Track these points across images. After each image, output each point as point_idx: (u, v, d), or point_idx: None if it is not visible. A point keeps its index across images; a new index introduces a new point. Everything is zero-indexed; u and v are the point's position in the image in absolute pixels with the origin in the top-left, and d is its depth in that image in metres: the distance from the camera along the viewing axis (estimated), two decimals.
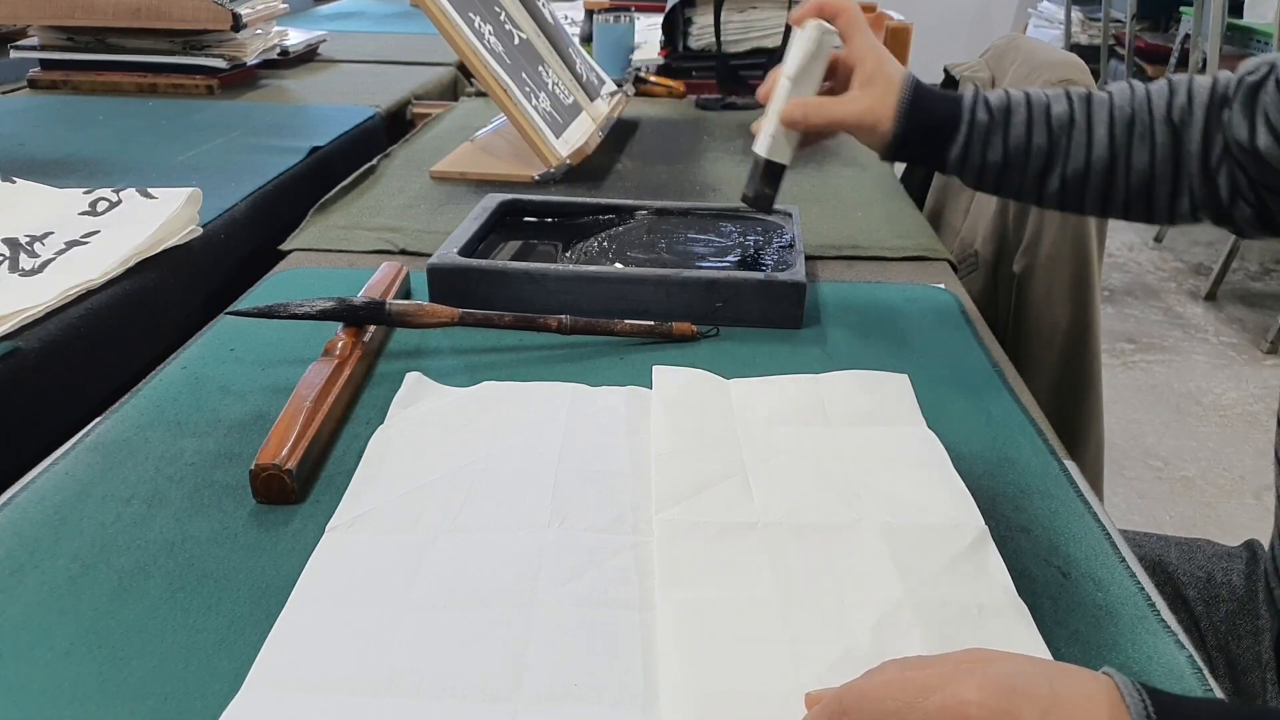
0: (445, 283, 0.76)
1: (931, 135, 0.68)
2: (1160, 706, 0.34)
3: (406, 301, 0.71)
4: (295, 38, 1.72)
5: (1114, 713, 0.34)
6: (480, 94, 1.57)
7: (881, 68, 0.68)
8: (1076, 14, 3.91)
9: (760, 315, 0.75)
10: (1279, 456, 0.57)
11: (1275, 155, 0.60)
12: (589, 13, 1.72)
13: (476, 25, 1.09)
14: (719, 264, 0.80)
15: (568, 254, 0.83)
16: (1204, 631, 0.69)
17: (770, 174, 0.72)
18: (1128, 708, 0.34)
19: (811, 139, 0.71)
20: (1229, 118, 0.62)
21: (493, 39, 1.11)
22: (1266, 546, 0.72)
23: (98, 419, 0.63)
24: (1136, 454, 2.01)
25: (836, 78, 0.70)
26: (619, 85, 1.43)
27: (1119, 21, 3.70)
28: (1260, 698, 0.65)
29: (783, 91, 0.70)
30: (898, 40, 1.66)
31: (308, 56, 1.75)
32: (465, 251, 0.78)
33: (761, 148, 0.72)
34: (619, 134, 1.31)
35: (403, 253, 0.90)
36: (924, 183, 1.33)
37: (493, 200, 0.89)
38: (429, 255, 0.78)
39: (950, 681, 0.35)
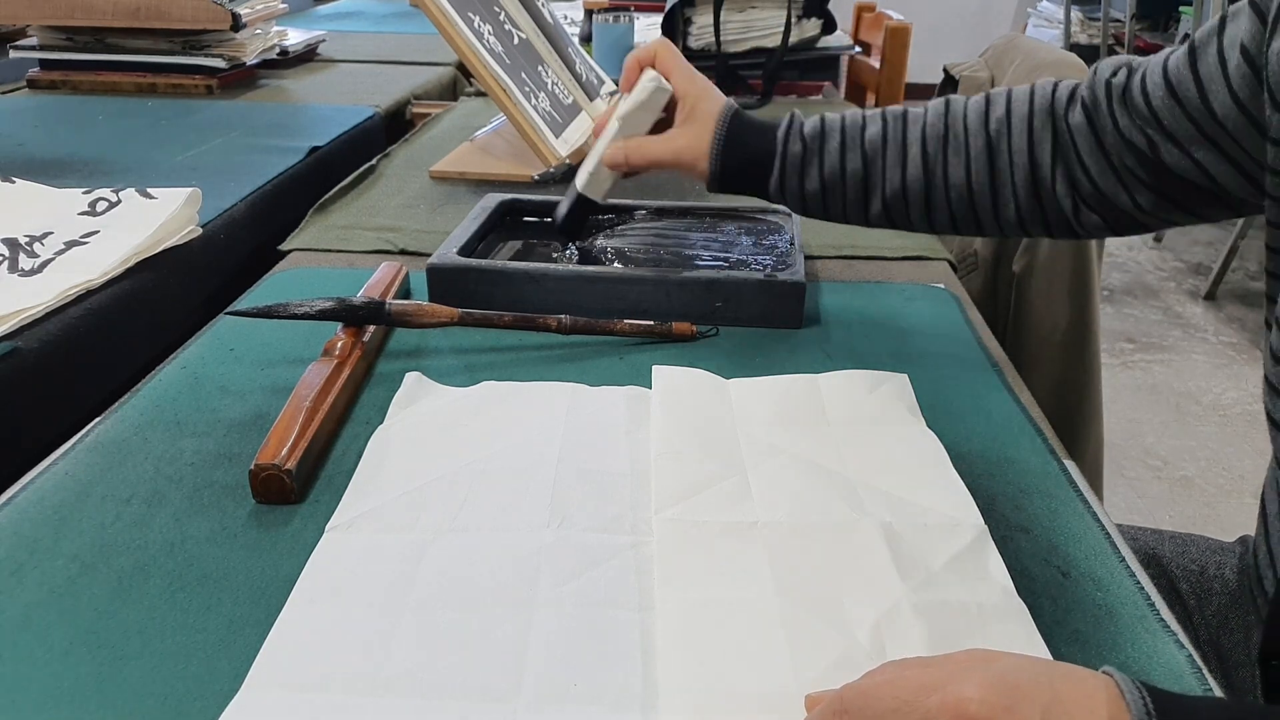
0: (445, 283, 0.76)
1: (748, 170, 0.70)
2: (1160, 705, 0.34)
3: (406, 301, 0.71)
4: (294, 38, 1.72)
5: (1114, 711, 0.34)
6: (480, 94, 1.57)
7: (699, 104, 0.70)
8: (1076, 14, 3.91)
9: (760, 315, 0.75)
10: (1271, 418, 0.57)
11: (1175, 156, 0.60)
12: (588, 13, 1.72)
13: (476, 25, 1.09)
14: (718, 264, 0.80)
15: (567, 254, 0.83)
16: (1196, 626, 0.69)
17: (582, 207, 0.76)
18: (1128, 706, 0.34)
19: (635, 173, 0.74)
20: (1117, 123, 0.62)
21: (492, 39, 1.11)
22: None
23: (97, 419, 0.63)
24: (1136, 453, 2.01)
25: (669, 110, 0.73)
26: (618, 85, 1.43)
27: (1118, 21, 3.71)
28: (1251, 693, 0.65)
29: (610, 131, 0.73)
30: (897, 40, 1.66)
31: (307, 56, 1.75)
32: (465, 251, 0.78)
33: (579, 182, 0.75)
34: None
35: (402, 252, 0.90)
36: None
37: (492, 200, 0.89)
38: (428, 255, 0.78)
39: (951, 680, 0.35)
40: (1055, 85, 0.67)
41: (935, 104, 0.69)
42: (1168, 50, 0.62)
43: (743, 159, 0.69)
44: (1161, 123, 0.60)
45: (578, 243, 0.85)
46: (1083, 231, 0.68)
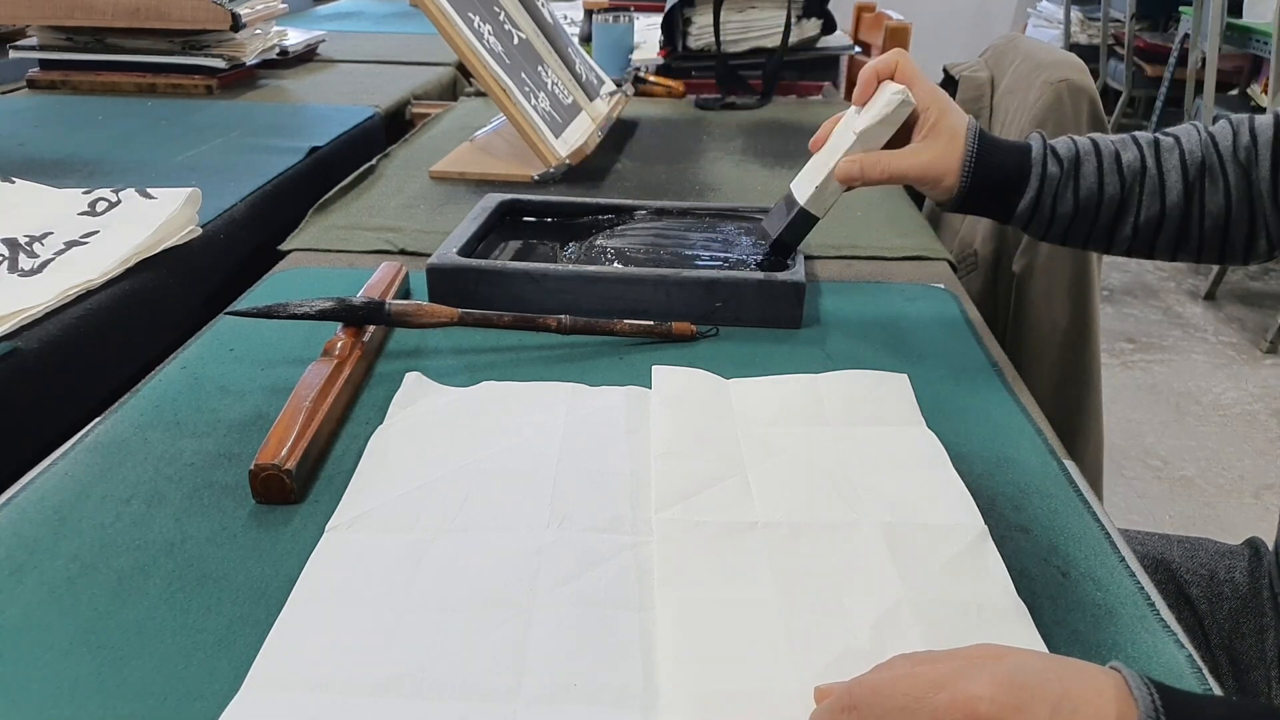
0: (445, 283, 0.76)
1: (999, 188, 0.67)
2: (1167, 701, 0.34)
3: (406, 301, 0.71)
4: (294, 38, 1.72)
5: (1122, 708, 0.34)
6: (479, 94, 1.57)
7: (944, 118, 0.66)
8: (1076, 13, 3.91)
9: (760, 315, 0.75)
10: None
11: None
12: (588, 13, 1.72)
13: (476, 25, 1.09)
14: (718, 264, 0.80)
15: (567, 254, 0.83)
16: (1208, 630, 0.69)
17: (802, 224, 0.72)
18: (1136, 702, 0.34)
19: (860, 185, 0.69)
20: None
21: (492, 39, 1.11)
22: (1270, 544, 0.72)
23: (97, 419, 0.63)
24: (1136, 453, 2.01)
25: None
26: (618, 85, 1.43)
27: (1118, 21, 3.71)
28: (1265, 695, 0.65)
29: (844, 144, 0.68)
30: (897, 40, 1.66)
31: (307, 56, 1.75)
32: (465, 251, 0.78)
33: (802, 196, 0.70)
34: (618, 134, 1.31)
35: (402, 253, 0.90)
36: None
37: (492, 200, 0.89)
38: (428, 255, 0.78)
39: (960, 677, 0.35)
40: None
41: (1185, 130, 0.67)
42: None
43: (996, 177, 0.66)
44: None
45: (576, 243, 0.85)
46: None
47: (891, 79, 0.67)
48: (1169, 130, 0.68)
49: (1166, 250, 0.68)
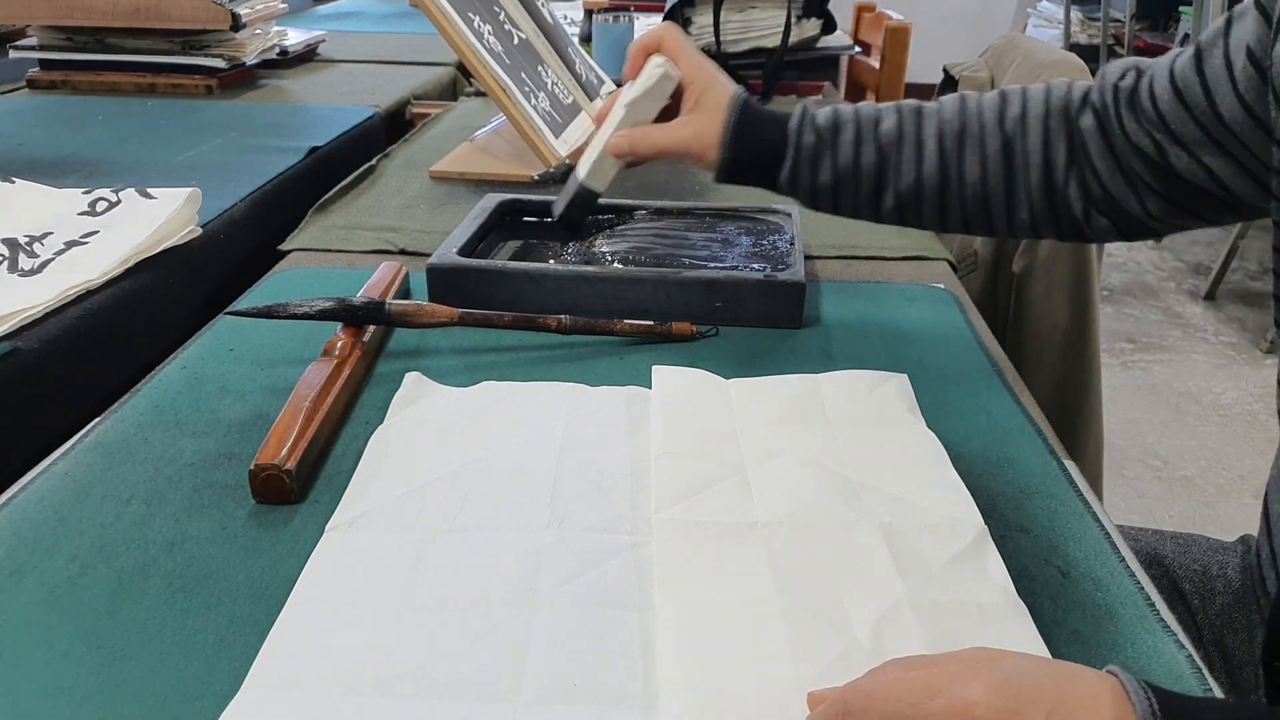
0: (444, 283, 0.76)
1: (759, 160, 0.67)
2: (1165, 705, 0.34)
3: (406, 301, 0.71)
4: (294, 38, 1.72)
5: (1119, 712, 0.34)
6: (479, 94, 1.56)
7: (709, 91, 0.67)
8: (1076, 13, 3.91)
9: (760, 315, 0.75)
10: None
11: (1183, 160, 0.59)
12: (588, 13, 1.72)
13: (476, 25, 1.09)
14: (718, 264, 0.80)
15: (567, 254, 0.83)
16: (1200, 626, 0.69)
17: (584, 199, 0.73)
18: (1133, 706, 0.34)
19: (639, 162, 0.70)
20: (1125, 128, 0.62)
21: (492, 39, 1.11)
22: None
23: (97, 419, 0.63)
24: (1136, 453, 2.01)
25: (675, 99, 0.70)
26: (618, 85, 1.43)
27: (1118, 21, 3.71)
28: (1255, 693, 0.65)
29: (615, 118, 0.70)
30: (897, 40, 1.66)
31: (307, 56, 1.75)
32: (464, 251, 0.78)
33: (581, 172, 0.72)
34: None
35: (402, 252, 0.90)
36: None
37: (492, 200, 0.89)
38: (428, 255, 0.78)
39: (956, 682, 0.35)
40: (1070, 86, 0.65)
41: (950, 99, 0.67)
42: (1174, 53, 0.61)
43: (754, 149, 0.67)
44: (1169, 127, 0.59)
45: (577, 242, 0.85)
46: (1092, 235, 0.67)
47: (659, 53, 0.68)
48: (939, 99, 0.68)
49: (933, 218, 0.68)
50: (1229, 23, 0.57)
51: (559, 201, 0.74)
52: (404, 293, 0.80)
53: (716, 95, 0.67)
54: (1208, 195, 0.60)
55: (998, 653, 0.37)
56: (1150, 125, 0.60)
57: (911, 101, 0.68)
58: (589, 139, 0.77)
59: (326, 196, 1.04)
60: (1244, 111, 0.55)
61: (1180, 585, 0.71)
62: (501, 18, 1.17)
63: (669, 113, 0.70)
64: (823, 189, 0.67)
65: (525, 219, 0.91)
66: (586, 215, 0.76)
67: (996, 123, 0.65)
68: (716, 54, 1.52)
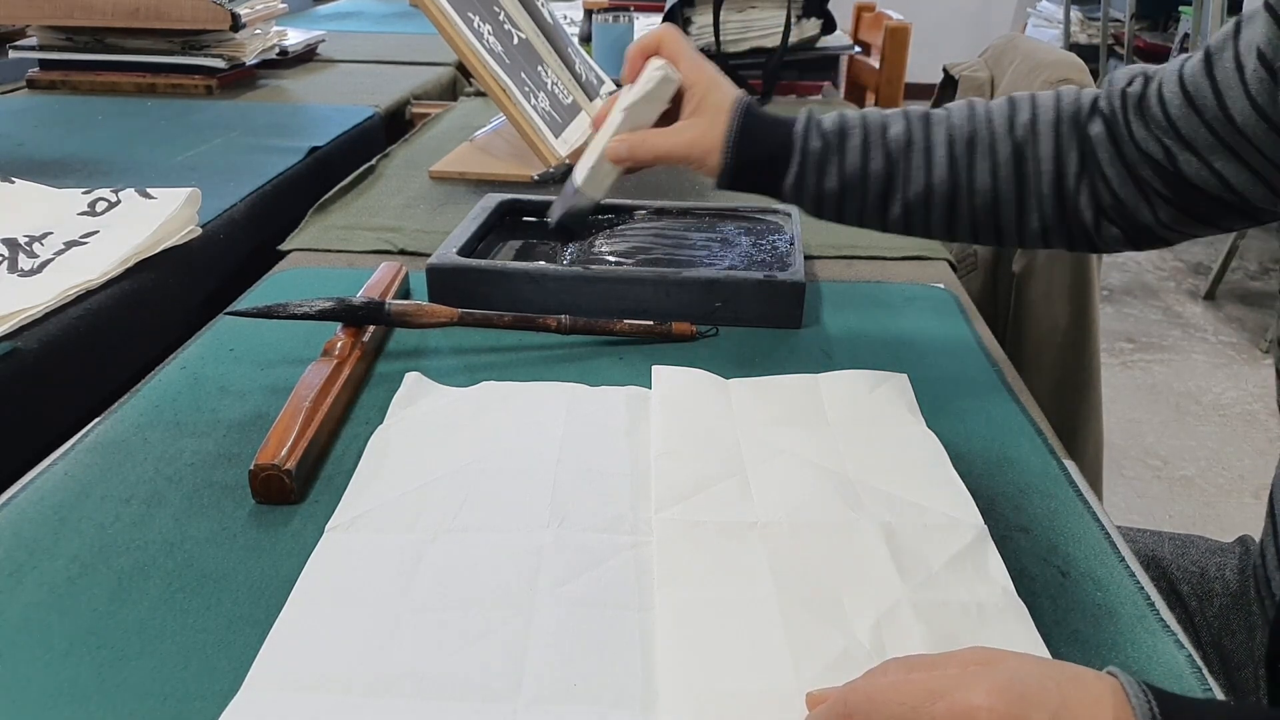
0: (444, 283, 0.76)
1: (763, 166, 0.65)
2: (1165, 707, 0.34)
3: (406, 301, 0.71)
4: (294, 38, 1.72)
5: (1120, 715, 0.34)
6: (479, 94, 1.57)
7: (710, 95, 0.65)
8: (1075, 13, 3.91)
9: (760, 315, 0.75)
10: None
11: (1194, 166, 0.59)
12: (588, 12, 1.72)
13: (475, 25, 1.09)
14: (718, 264, 0.80)
15: (567, 254, 0.83)
16: (1198, 627, 0.69)
17: (580, 206, 0.71)
18: (1133, 709, 0.34)
19: (638, 168, 0.69)
20: (1134, 134, 0.61)
21: (492, 39, 1.11)
22: (1258, 541, 0.72)
23: (97, 419, 0.63)
24: (1136, 453, 2.01)
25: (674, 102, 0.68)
26: (618, 85, 1.43)
27: (1118, 21, 3.71)
28: (1253, 694, 0.65)
29: (613, 123, 0.67)
30: (896, 40, 1.66)
31: (306, 56, 1.75)
32: (464, 251, 0.78)
33: (579, 177, 0.70)
34: None
35: (402, 253, 0.90)
36: None
37: (492, 200, 0.89)
38: (428, 255, 0.78)
39: (958, 686, 0.35)
40: (1079, 94, 0.64)
41: (959, 105, 0.66)
42: (1182, 58, 0.60)
43: (758, 154, 0.65)
44: (1179, 132, 0.58)
45: (577, 242, 0.85)
46: (1102, 245, 0.65)
47: (658, 55, 0.66)
48: (947, 105, 0.66)
49: (941, 227, 0.66)
50: (1238, 26, 0.56)
51: (555, 207, 0.73)
52: (404, 293, 0.80)
53: (718, 99, 0.65)
54: (1219, 201, 0.59)
55: (999, 653, 0.37)
56: (1160, 131, 0.59)
57: (918, 108, 0.67)
58: (587, 142, 0.75)
59: (326, 196, 1.04)
60: (1256, 114, 0.55)
61: (1178, 587, 0.71)
62: (501, 18, 1.17)
63: (668, 116, 0.68)
64: (828, 195, 0.66)
65: (525, 219, 0.91)
66: (584, 221, 0.75)
67: (1007, 129, 0.64)
68: (716, 54, 1.52)
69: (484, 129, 1.29)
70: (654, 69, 0.66)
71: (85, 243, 0.82)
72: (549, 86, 1.19)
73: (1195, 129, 0.58)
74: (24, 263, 0.78)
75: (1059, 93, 0.65)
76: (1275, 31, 0.53)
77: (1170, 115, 0.59)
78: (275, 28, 1.67)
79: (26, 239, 0.81)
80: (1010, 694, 0.34)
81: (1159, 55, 3.54)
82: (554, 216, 0.73)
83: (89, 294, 0.76)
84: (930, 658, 0.38)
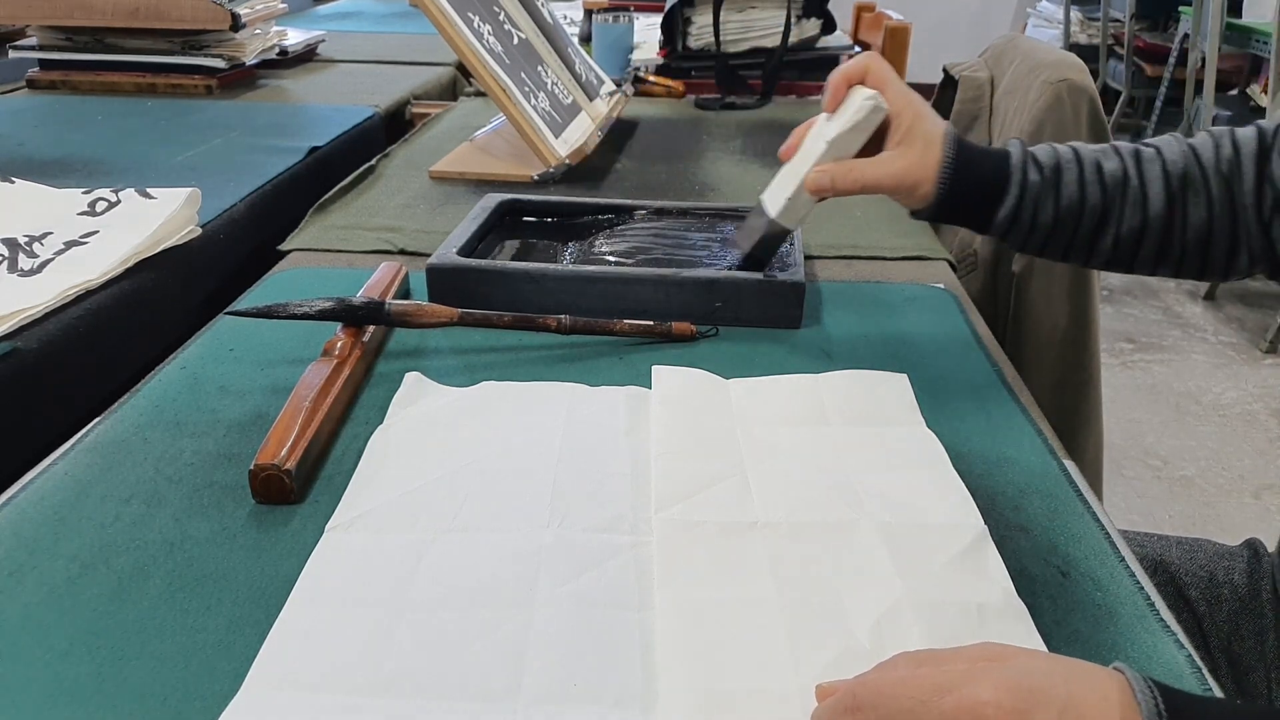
0: (444, 283, 0.76)
1: (977, 196, 0.64)
2: (1170, 704, 0.34)
3: (406, 301, 0.71)
4: (294, 38, 1.72)
5: (1126, 712, 0.34)
6: (479, 94, 1.57)
7: (919, 124, 0.64)
8: (1075, 13, 3.91)
9: (760, 315, 0.75)
10: None
11: None
12: (588, 12, 1.72)
13: (475, 25, 1.09)
14: (718, 264, 0.80)
15: (567, 254, 0.83)
16: (1207, 632, 0.69)
17: (774, 237, 0.70)
18: (1139, 705, 0.34)
19: (833, 196, 0.67)
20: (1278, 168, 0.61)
21: (492, 39, 1.11)
22: (1270, 545, 0.72)
23: (97, 419, 0.63)
24: (1136, 453, 2.01)
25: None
26: (618, 85, 1.43)
27: (1118, 21, 3.71)
28: (1264, 697, 0.65)
29: (815, 152, 0.65)
30: (896, 40, 1.66)
31: (306, 56, 1.75)
32: (464, 251, 0.78)
33: (773, 208, 0.68)
34: (618, 134, 1.31)
35: (402, 253, 0.90)
36: None
37: (492, 200, 0.89)
38: (428, 255, 0.78)
39: (966, 681, 0.35)
40: (1258, 127, 0.64)
41: (1169, 141, 0.65)
42: None
43: (974, 185, 0.64)
44: None
45: (578, 242, 0.85)
46: None
47: (863, 84, 0.65)
48: (1149, 141, 0.66)
49: (1148, 263, 0.66)
50: None
51: (742, 238, 0.71)
52: (404, 293, 0.80)
53: (928, 129, 0.64)
54: None
55: (1007, 649, 0.38)
56: None
57: (1127, 144, 0.66)
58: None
59: (326, 196, 1.04)
60: None
61: (1187, 591, 0.71)
62: (501, 18, 1.17)
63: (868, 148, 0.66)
64: (1043, 228, 0.64)
65: (525, 219, 0.91)
66: (774, 252, 0.73)
67: (1214, 164, 0.63)
68: (716, 54, 1.52)
69: (484, 129, 1.29)
70: (864, 98, 0.64)
71: (85, 243, 0.82)
72: (549, 86, 1.19)
73: None
74: (24, 263, 0.78)
75: (1258, 126, 0.64)
76: None
77: None
78: (275, 28, 1.67)
79: (26, 239, 0.81)
80: (1017, 690, 0.34)
81: (1159, 55, 3.54)
82: (744, 248, 0.72)
83: (89, 294, 0.76)
84: (938, 653, 0.38)
